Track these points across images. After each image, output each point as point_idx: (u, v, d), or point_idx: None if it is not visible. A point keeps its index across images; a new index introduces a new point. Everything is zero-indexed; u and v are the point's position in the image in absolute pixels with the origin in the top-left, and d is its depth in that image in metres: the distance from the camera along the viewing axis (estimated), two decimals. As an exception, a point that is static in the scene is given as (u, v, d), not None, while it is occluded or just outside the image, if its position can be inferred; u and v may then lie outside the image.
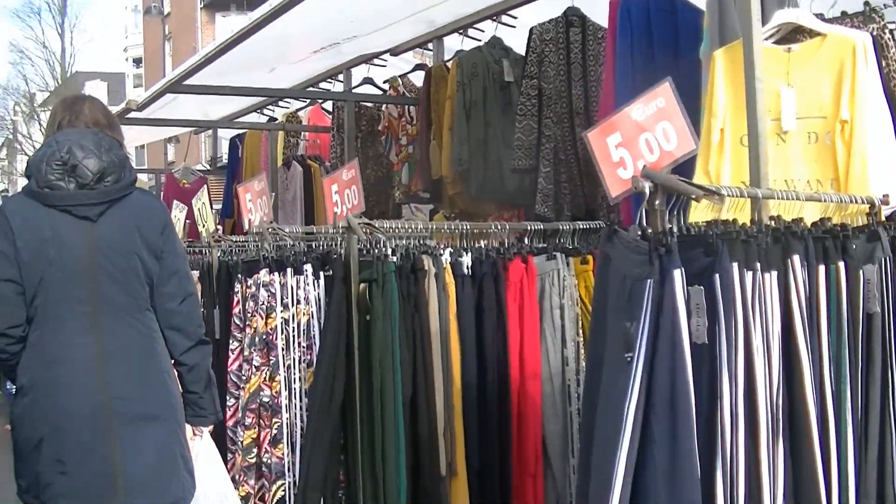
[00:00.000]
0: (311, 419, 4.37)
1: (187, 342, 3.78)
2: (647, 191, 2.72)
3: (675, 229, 2.60)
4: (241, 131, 9.84)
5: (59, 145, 3.59)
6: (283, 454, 4.58)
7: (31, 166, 3.64)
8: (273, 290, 4.66)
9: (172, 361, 3.82)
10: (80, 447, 3.53)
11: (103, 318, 3.60)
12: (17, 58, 56.03)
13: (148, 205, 3.79)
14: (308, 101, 9.19)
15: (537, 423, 4.71)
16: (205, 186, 7.75)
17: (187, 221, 7.14)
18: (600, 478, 2.62)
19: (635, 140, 2.95)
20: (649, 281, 2.52)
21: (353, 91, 7.96)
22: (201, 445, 4.02)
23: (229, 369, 5.03)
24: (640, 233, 2.64)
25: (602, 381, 2.74)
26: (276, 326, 4.65)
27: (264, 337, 4.73)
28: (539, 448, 4.72)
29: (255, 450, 4.76)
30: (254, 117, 9.82)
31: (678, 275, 2.50)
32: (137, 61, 52.63)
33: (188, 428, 3.88)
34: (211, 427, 4.09)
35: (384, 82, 7.94)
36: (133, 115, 7.47)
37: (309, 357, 4.65)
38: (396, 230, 4.60)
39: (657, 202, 2.73)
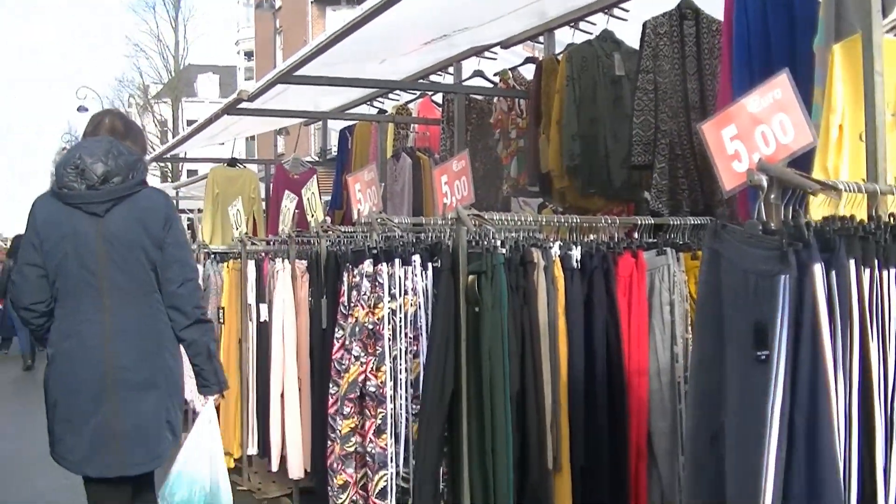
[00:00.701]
0: (423, 412, 4.39)
1: (186, 320, 4.40)
2: (763, 184, 2.66)
3: (810, 223, 2.54)
4: (350, 123, 9.90)
5: (74, 152, 4.32)
6: (386, 444, 4.57)
7: (55, 170, 4.43)
8: (380, 281, 4.66)
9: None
10: (85, 409, 4.23)
11: (111, 299, 4.27)
12: (132, 51, 57.23)
13: (153, 201, 4.39)
14: (418, 93, 9.21)
15: (643, 420, 4.65)
16: (314, 176, 7.81)
17: (296, 211, 7.21)
18: (742, 478, 2.56)
19: (751, 132, 2.89)
20: (783, 277, 2.46)
21: (464, 84, 7.95)
22: (208, 413, 4.60)
23: (333, 358, 5.04)
24: (761, 227, 2.58)
25: (726, 380, 2.68)
26: (383, 317, 4.64)
27: (367, 327, 4.73)
28: (643, 445, 4.66)
29: (353, 438, 4.76)
30: (364, 110, 9.88)
31: (818, 270, 2.45)
32: (249, 55, 53.43)
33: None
34: (218, 396, 4.65)
35: (494, 75, 7.91)
36: (244, 105, 7.53)
37: (415, 348, 4.64)
38: (506, 222, 4.57)
39: (773, 196, 2.66)
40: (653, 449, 4.65)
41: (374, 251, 4.87)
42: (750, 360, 2.52)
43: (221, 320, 7.74)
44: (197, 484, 4.50)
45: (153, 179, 43.18)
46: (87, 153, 4.26)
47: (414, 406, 4.63)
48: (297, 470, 6.28)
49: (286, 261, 6.45)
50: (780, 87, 2.88)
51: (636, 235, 5.03)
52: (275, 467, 6.66)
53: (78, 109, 45.16)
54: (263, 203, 11.08)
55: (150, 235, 4.31)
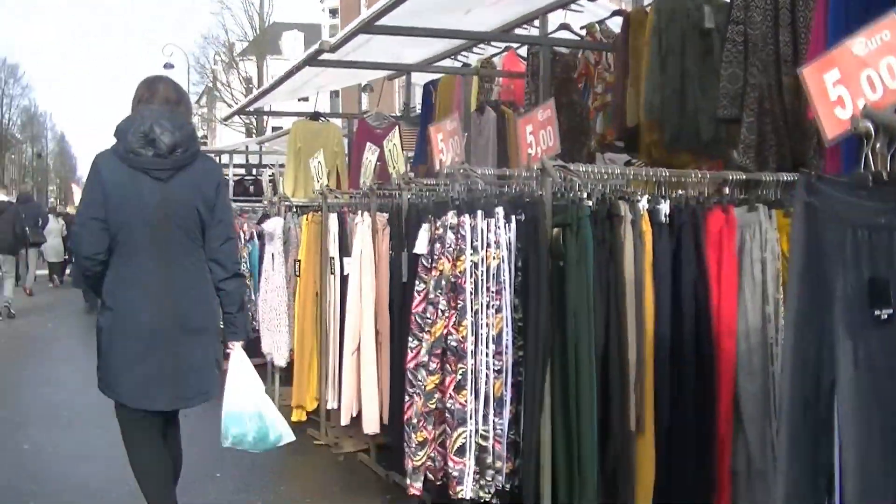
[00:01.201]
0: (529, 371, 4.37)
1: (225, 274, 4.84)
2: (871, 132, 2.50)
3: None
4: (434, 77, 9.76)
5: (143, 120, 4.66)
6: (466, 401, 4.47)
7: (118, 133, 4.70)
8: (462, 233, 4.55)
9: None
10: (147, 350, 4.63)
11: (170, 255, 4.71)
12: (218, 8, 57.57)
13: (208, 168, 4.88)
14: (503, 46, 9.05)
15: (730, 383, 4.51)
16: (396, 128, 7.70)
17: (378, 164, 7.11)
18: (876, 443, 2.43)
19: (856, 77, 2.71)
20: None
21: (549, 36, 7.78)
22: (238, 355, 4.94)
23: (414, 311, 4.95)
24: (870, 178, 2.42)
25: (835, 342, 2.53)
26: (464, 270, 4.53)
27: (452, 280, 4.63)
28: (730, 409, 4.52)
29: (436, 395, 4.67)
30: (447, 64, 9.74)
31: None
32: (333, 12, 53.44)
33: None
34: (242, 342, 5.00)
35: (581, 28, 7.73)
36: (326, 56, 7.42)
37: (498, 302, 4.52)
38: (592, 174, 4.44)
39: (878, 145, 2.50)
40: (740, 413, 4.51)
41: (457, 203, 4.76)
42: (868, 321, 2.37)
43: (298, 273, 7.70)
44: (245, 415, 4.88)
45: (237, 135, 43.51)
46: (157, 123, 4.64)
47: (496, 362, 4.52)
48: (372, 424, 6.22)
49: (366, 214, 6.36)
50: (889, 28, 2.70)
51: (726, 191, 4.86)
52: (344, 420, 6.62)
53: (164, 66, 45.66)
54: (347, 157, 11.00)
55: (204, 198, 4.76)
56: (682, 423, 4.38)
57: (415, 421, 4.76)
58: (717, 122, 5.76)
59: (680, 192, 4.72)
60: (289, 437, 5.05)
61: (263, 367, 8.50)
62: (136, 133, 4.62)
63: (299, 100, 13.52)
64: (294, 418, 7.46)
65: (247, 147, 18.89)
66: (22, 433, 7.80)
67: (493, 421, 4.51)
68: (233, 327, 4.96)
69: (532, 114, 4.87)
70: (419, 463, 4.75)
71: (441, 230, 4.72)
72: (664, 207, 4.39)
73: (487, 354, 4.51)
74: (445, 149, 5.39)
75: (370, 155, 6.99)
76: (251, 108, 12.84)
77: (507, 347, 4.50)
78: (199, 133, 65.89)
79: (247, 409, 4.89)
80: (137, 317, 4.66)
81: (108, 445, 5.73)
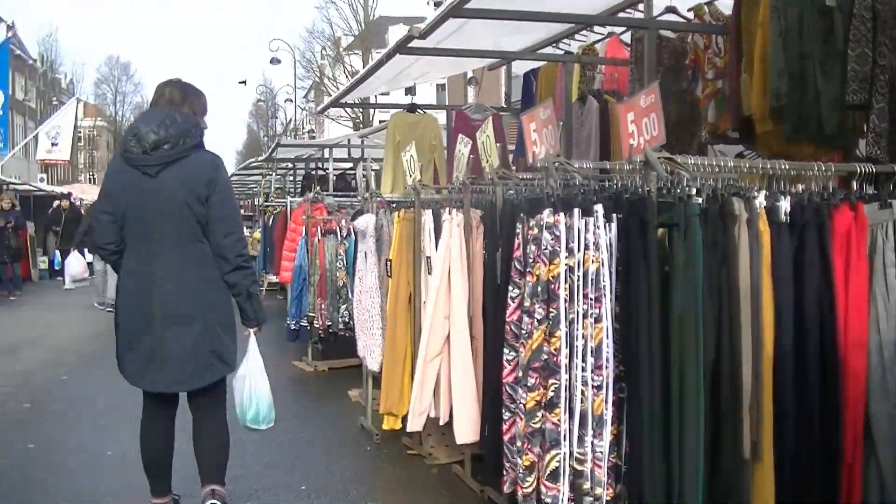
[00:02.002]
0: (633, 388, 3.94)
1: (228, 266, 5.19)
2: None
3: None
4: (535, 66, 9.31)
5: (136, 122, 5.26)
6: (559, 420, 4.03)
7: (122, 135, 5.39)
8: (556, 233, 4.11)
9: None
10: (138, 335, 5.16)
11: (161, 246, 5.13)
12: (322, 2, 57.68)
13: (199, 164, 5.16)
14: (605, 31, 8.54)
15: (860, 402, 4.02)
16: (489, 119, 7.20)
17: (471, 157, 6.70)
18: None
19: None
20: None
21: (655, 19, 7.26)
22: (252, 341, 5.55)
23: (508, 319, 4.54)
24: None
25: None
26: (558, 274, 4.10)
27: (547, 286, 4.19)
28: (860, 432, 4.02)
29: (538, 413, 4.23)
30: (549, 52, 9.25)
31: None
32: (438, 5, 53.08)
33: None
34: (256, 328, 5.51)
35: (689, 10, 7.20)
36: (416, 44, 7.01)
37: (597, 311, 4.06)
38: (702, 167, 3.97)
39: None
40: (872, 436, 4.00)
41: (552, 199, 4.32)
42: None
43: (389, 273, 7.33)
44: (259, 398, 5.54)
45: (345, 129, 43.44)
46: (143, 123, 5.16)
47: (595, 377, 4.06)
48: (464, 434, 5.81)
49: (456, 210, 5.96)
50: None
51: (854, 186, 4.36)
52: (413, 427, 6.34)
53: (271, 61, 45.97)
54: (445, 151, 10.60)
55: (194, 193, 5.09)
56: (804, 449, 3.90)
57: (519, 444, 4.32)
58: (843, 108, 5.22)
59: (800, 186, 4.24)
60: (269, 422, 5.62)
61: (360, 369, 8.21)
62: (128, 132, 5.24)
63: (406, 92, 13.19)
64: (386, 426, 7.11)
65: (349, 140, 18.63)
66: (109, 438, 7.56)
67: (592, 443, 4.05)
68: (243, 314, 5.44)
69: (634, 99, 4.41)
70: (529, 489, 4.30)
71: (535, 230, 4.29)
72: (784, 205, 3.93)
73: (584, 369, 4.06)
74: (539, 140, 4.95)
75: (463, 147, 6.58)
76: (347, 101, 12.42)
77: (607, 361, 4.04)
78: (308, 127, 66.51)
79: (260, 391, 5.53)
80: (131, 303, 5.18)
81: (190, 452, 5.47)
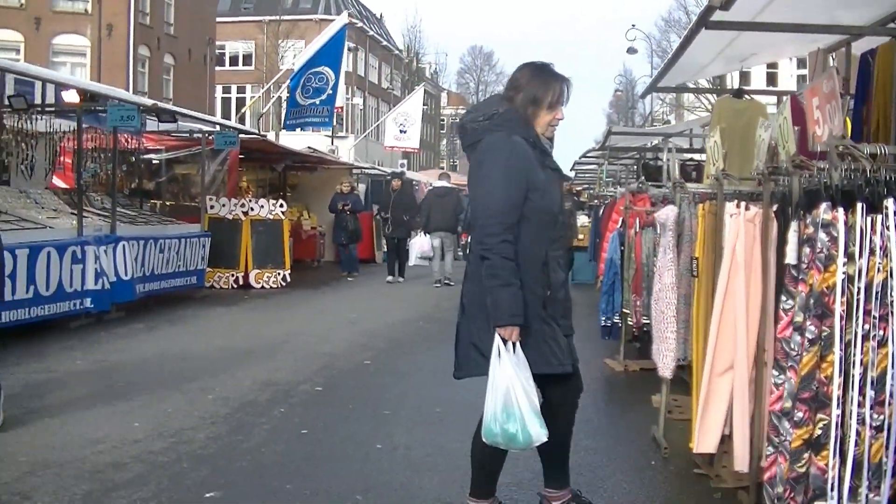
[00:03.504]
0: None
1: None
2: None
3: None
4: (874, 45, 8.16)
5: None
6: (827, 464, 3.26)
7: None
8: (835, 234, 3.32)
9: None
10: None
11: None
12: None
13: (480, 148, 4.93)
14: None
15: None
16: (786, 100, 6.24)
17: (772, 143, 5.83)
18: None
19: None
20: None
21: None
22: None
23: (779, 335, 3.78)
24: None
25: None
26: (834, 284, 3.31)
27: (821, 298, 3.40)
28: None
29: (805, 455, 3.45)
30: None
31: None
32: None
33: None
34: (498, 327, 4.70)
35: None
36: (720, 17, 6.17)
37: (881, 332, 3.26)
38: None
39: None
40: None
41: (830, 191, 3.52)
42: None
43: (695, 272, 6.57)
44: (491, 413, 4.71)
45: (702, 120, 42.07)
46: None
47: (875, 415, 3.26)
48: (742, 462, 5.05)
49: (749, 204, 5.17)
50: None
51: None
52: (700, 447, 5.62)
53: (627, 51, 45.37)
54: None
55: (472, 178, 4.98)
56: None
57: (780, 489, 3.57)
58: None
59: None
60: (540, 438, 4.66)
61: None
62: None
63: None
64: (692, 445, 6.36)
65: (691, 130, 17.73)
66: (384, 430, 7.29)
67: (866, 497, 3.25)
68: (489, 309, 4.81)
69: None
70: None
71: (811, 229, 3.52)
72: None
73: (861, 404, 3.26)
74: (822, 118, 4.10)
75: (762, 132, 5.73)
76: (669, 85, 11.60)
77: (891, 396, 3.22)
78: (666, 119, 65.35)
79: (491, 407, 4.70)
80: None
81: (463, 451, 5.18)
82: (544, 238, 4.82)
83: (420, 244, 23.04)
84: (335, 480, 6.04)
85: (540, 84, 4.94)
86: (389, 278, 21.16)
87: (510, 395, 4.60)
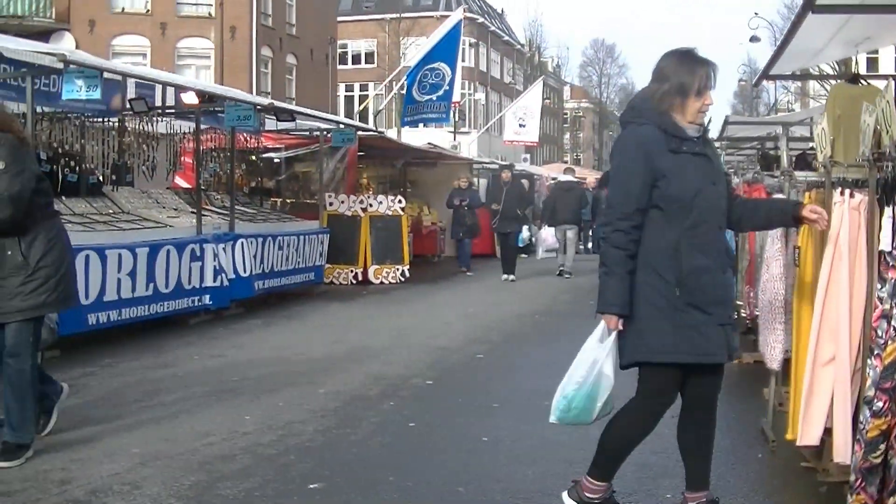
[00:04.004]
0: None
1: None
2: None
3: None
4: None
5: None
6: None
7: None
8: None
9: None
10: None
11: None
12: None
13: None
14: None
15: None
16: (890, 82, 6.01)
17: (877, 128, 5.65)
18: None
19: None
20: None
21: None
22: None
23: (873, 323, 3.69)
24: None
25: None
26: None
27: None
28: None
29: (881, 446, 3.37)
30: None
31: None
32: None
33: None
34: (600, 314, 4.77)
35: None
36: (825, 0, 6.00)
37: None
38: None
39: None
40: None
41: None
42: None
43: (797, 262, 6.44)
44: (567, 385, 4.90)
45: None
46: None
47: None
48: (842, 453, 4.91)
49: (853, 191, 5.05)
50: None
51: None
52: (803, 440, 5.46)
53: (750, 39, 44.46)
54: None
55: None
56: None
57: (853, 478, 3.51)
58: None
59: None
60: (584, 419, 4.92)
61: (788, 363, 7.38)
62: None
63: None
64: (788, 436, 6.24)
65: (811, 119, 17.31)
66: (490, 423, 7.32)
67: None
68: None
69: None
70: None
71: (899, 215, 3.42)
72: None
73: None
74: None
75: (867, 117, 5.57)
76: (775, 73, 11.30)
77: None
78: (791, 108, 63.85)
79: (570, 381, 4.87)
80: None
81: (568, 444, 5.47)
82: (675, 225, 4.75)
83: (545, 237, 22.94)
84: (438, 472, 6.10)
85: (686, 72, 4.88)
86: (505, 277, 20.10)
87: (591, 369, 4.78)
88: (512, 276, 20.06)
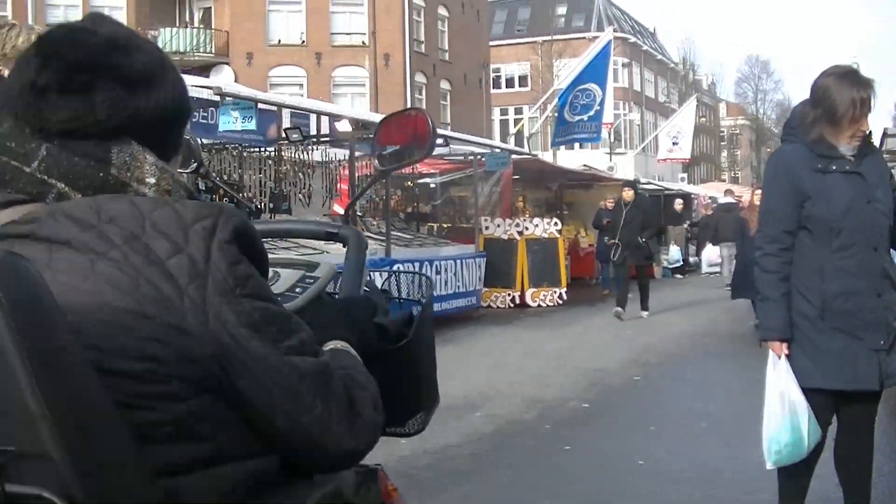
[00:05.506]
0: None
1: None
2: None
3: None
4: None
5: None
6: None
7: None
8: None
9: None
10: None
11: None
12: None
13: None
14: None
15: None
16: None
17: None
18: None
19: None
20: None
21: None
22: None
23: None
24: None
25: None
26: None
27: None
28: None
29: None
30: None
31: None
32: None
33: None
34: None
35: None
36: None
37: None
38: None
39: None
40: None
41: None
42: None
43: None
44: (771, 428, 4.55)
45: None
46: None
47: None
48: None
49: None
50: None
51: None
52: None
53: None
54: None
55: None
56: None
57: None
58: None
59: None
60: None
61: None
62: None
63: None
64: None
65: None
66: (648, 446, 7.19)
67: None
68: None
69: None
70: None
71: None
72: None
73: None
74: None
75: None
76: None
77: None
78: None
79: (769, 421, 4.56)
80: None
81: (726, 467, 5.07)
82: (822, 246, 4.51)
83: (708, 254, 23.46)
84: (590, 495, 6.05)
85: (840, 99, 4.42)
86: (618, 310, 16.34)
87: (783, 402, 4.51)
88: (644, 312, 16.89)
